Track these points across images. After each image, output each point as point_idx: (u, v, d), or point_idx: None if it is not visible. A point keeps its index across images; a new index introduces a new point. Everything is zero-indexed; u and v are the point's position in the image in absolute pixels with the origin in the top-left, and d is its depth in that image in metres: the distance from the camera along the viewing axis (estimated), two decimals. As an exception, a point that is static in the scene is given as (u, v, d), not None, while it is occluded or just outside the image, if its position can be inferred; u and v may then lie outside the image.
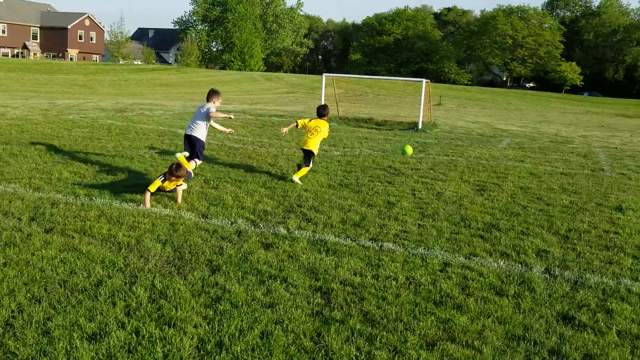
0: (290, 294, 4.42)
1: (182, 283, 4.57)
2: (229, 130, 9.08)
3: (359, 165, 10.63)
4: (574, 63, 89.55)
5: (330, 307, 4.19)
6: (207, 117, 8.47)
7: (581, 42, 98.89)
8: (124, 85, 45.66)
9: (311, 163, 9.14)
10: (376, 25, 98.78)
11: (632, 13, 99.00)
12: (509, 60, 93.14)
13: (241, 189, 8.14)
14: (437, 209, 7.57)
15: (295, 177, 8.80)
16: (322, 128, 9.36)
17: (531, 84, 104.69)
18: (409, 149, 12.58)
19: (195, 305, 4.17)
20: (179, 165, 7.29)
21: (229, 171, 9.36)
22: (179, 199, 7.37)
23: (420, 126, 18.87)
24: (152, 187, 7.21)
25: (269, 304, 4.20)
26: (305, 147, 9.14)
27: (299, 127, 9.54)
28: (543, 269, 5.39)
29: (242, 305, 4.16)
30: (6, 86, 34.67)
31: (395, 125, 19.81)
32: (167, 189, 7.43)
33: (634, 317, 4.27)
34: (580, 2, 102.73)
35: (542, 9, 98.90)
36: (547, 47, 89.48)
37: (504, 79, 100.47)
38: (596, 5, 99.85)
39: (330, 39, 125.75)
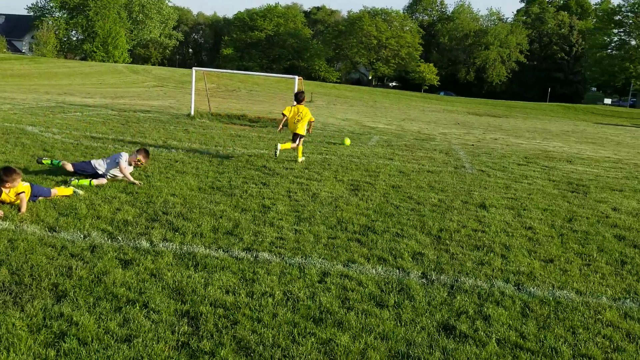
0: (152, 322, 3.85)
1: (17, 316, 3.81)
2: (138, 182, 8.17)
3: (232, 166, 10.12)
4: (431, 64, 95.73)
5: (198, 336, 3.69)
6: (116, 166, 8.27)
7: (438, 44, 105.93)
8: (-37, 74, 40.64)
9: (299, 142, 11.00)
10: (248, 20, 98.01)
11: (481, 19, 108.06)
12: (374, 60, 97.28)
13: (97, 195, 7.28)
14: (314, 211, 7.32)
15: (280, 146, 10.75)
16: (305, 112, 11.04)
17: (394, 83, 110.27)
18: (347, 141, 14.92)
19: (32, 344, 3.46)
20: (7, 169, 6.33)
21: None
22: (23, 208, 6.39)
23: (292, 124, 18.71)
24: None
25: (126, 338, 3.61)
26: (296, 132, 10.98)
27: (288, 116, 11.03)
28: (420, 274, 5.32)
29: (92, 341, 3.53)
30: None
31: (268, 123, 19.46)
32: (8, 201, 6.42)
33: (511, 322, 4.29)
34: (436, 8, 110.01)
35: (404, 12, 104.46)
36: (408, 48, 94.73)
37: (370, 77, 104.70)
38: (450, 11, 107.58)
39: (201, 32, 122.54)
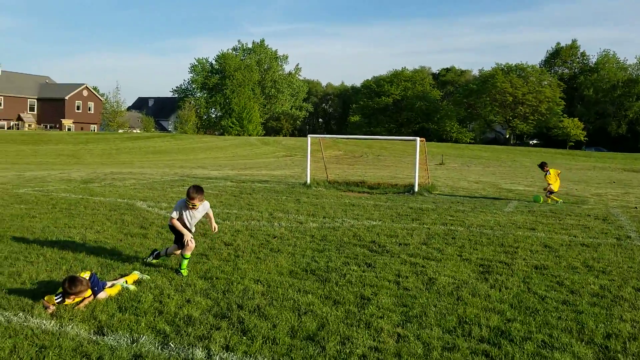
0: None
1: None
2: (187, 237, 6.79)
3: (336, 241, 8.72)
4: (576, 119, 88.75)
5: None
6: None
7: (582, 97, 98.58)
8: (115, 154, 44.48)
9: None
10: (374, 87, 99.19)
11: (630, 68, 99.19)
12: (511, 118, 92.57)
13: (172, 282, 6.23)
14: (427, 305, 5.60)
15: None
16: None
17: (535, 141, 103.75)
18: (540, 199, 15.49)
19: None
20: (72, 280, 5.45)
21: (163, 256, 7.44)
22: (81, 305, 5.47)
23: (416, 189, 17.06)
24: (49, 299, 5.45)
25: None
26: None
27: None
28: None
29: None
30: (-15, 158, 33.39)
31: (389, 189, 18.01)
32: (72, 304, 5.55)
33: None
34: (577, 59, 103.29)
35: (540, 67, 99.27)
36: (548, 103, 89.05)
37: (507, 136, 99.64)
38: (593, 62, 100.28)
39: (330, 102, 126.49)
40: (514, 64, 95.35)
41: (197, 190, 6.68)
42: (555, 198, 15.78)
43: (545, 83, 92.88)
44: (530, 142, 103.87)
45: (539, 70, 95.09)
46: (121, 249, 7.81)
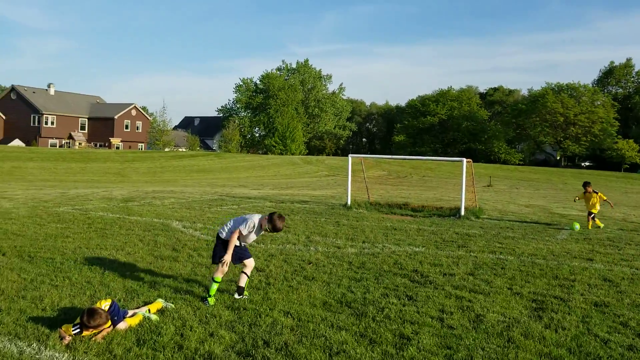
0: None
1: None
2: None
3: (375, 269, 8.17)
4: (631, 140, 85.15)
5: None
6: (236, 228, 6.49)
7: (637, 118, 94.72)
8: (159, 172, 45.16)
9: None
10: (420, 106, 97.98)
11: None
12: (562, 139, 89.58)
13: (197, 312, 5.83)
14: (474, 348, 5.00)
15: None
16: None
17: (587, 163, 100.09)
18: (576, 226, 14.20)
19: None
20: (91, 314, 5.12)
21: (191, 282, 7.08)
22: (99, 336, 5.13)
23: (462, 212, 16.29)
24: (66, 329, 5.14)
25: None
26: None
27: None
28: None
29: None
30: (34, 176, 34.37)
31: (433, 211, 17.30)
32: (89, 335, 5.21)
33: None
34: (632, 79, 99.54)
35: (593, 86, 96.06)
36: (601, 124, 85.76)
37: (558, 157, 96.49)
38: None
39: (374, 121, 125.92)
40: (564, 84, 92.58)
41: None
42: (598, 222, 14.83)
43: (599, 103, 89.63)
44: (583, 164, 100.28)
45: (592, 90, 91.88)
46: (149, 273, 7.50)
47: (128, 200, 18.10)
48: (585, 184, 15.40)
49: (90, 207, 15.20)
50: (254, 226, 6.42)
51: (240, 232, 6.36)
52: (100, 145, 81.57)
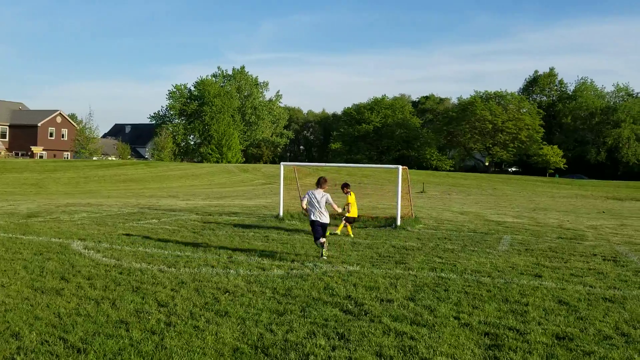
0: None
1: None
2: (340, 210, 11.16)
3: (303, 297, 6.98)
4: (555, 146, 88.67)
5: None
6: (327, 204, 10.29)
7: (560, 125, 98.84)
8: (82, 182, 42.28)
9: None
10: (355, 114, 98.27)
11: (607, 96, 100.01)
12: (491, 145, 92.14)
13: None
14: (420, 410, 3.88)
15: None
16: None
17: (513, 168, 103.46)
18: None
19: None
20: None
21: (67, 328, 5.62)
22: None
23: (399, 222, 15.41)
24: None
25: None
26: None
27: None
28: None
29: None
30: None
31: (369, 222, 16.35)
32: None
33: None
34: (555, 87, 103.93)
35: (519, 94, 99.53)
36: (527, 130, 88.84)
37: (486, 164, 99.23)
38: (571, 90, 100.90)
39: (311, 129, 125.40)
40: (492, 92, 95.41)
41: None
42: (349, 230, 13.38)
43: (525, 110, 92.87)
44: (509, 169, 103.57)
45: (518, 98, 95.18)
46: (20, 312, 5.97)
47: (32, 215, 16.10)
48: (344, 186, 13.75)
49: (-20, 226, 13.21)
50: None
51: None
52: (22, 155, 76.47)
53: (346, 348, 5.12)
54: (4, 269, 8.16)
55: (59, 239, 11.32)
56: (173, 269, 8.54)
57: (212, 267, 8.84)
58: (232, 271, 8.51)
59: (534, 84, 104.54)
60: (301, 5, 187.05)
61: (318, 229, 9.94)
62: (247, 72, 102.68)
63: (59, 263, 8.73)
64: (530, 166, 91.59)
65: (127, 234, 12.36)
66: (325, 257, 9.68)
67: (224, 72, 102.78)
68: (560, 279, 8.50)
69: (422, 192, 40.87)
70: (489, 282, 8.16)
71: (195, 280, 7.77)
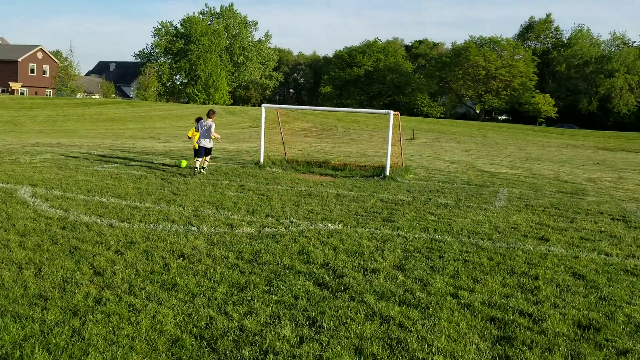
0: None
1: None
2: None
3: (272, 263, 5.87)
4: (547, 95, 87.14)
5: None
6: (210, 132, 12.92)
7: (553, 73, 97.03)
8: (61, 121, 40.43)
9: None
10: (347, 57, 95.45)
11: (603, 44, 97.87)
12: (483, 92, 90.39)
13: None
14: None
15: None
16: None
17: (504, 117, 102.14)
18: (183, 163, 14.15)
19: None
20: None
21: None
22: None
23: (387, 172, 14.27)
24: None
25: None
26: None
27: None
28: None
29: None
30: None
31: (356, 171, 15.21)
32: None
33: None
34: (551, 34, 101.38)
35: (514, 40, 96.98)
36: (521, 78, 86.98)
37: (477, 111, 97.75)
38: (567, 37, 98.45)
39: (302, 72, 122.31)
40: (487, 37, 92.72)
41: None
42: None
43: (519, 57, 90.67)
44: (499, 117, 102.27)
45: (513, 44, 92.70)
46: None
47: (-13, 156, 14.72)
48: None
49: None
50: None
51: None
52: (3, 91, 73.62)
53: (317, 341, 4.02)
54: None
55: (7, 183, 10.06)
56: (126, 224, 7.37)
57: (173, 222, 7.68)
58: (194, 228, 7.36)
59: (529, 30, 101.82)
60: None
61: (202, 150, 12.95)
62: (236, 10, 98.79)
63: (-8, 215, 7.52)
64: (520, 114, 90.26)
65: (86, 180, 11.10)
66: (195, 168, 12.80)
67: (212, 9, 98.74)
68: (570, 244, 7.45)
69: (412, 139, 39.67)
70: (489, 247, 7.10)
71: (147, 240, 6.62)
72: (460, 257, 6.56)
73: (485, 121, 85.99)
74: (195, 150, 13.22)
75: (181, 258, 5.96)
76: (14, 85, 74.75)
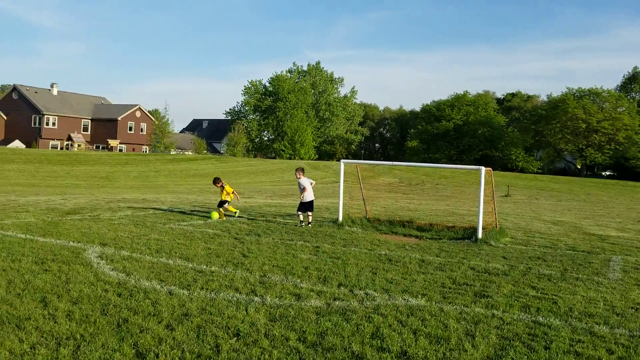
0: None
1: None
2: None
3: (338, 349, 4.94)
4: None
5: None
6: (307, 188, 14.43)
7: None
8: (152, 176, 42.24)
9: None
10: (434, 111, 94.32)
11: None
12: (584, 147, 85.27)
13: None
14: None
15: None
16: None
17: (608, 172, 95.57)
18: (215, 216, 14.64)
19: None
20: None
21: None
22: None
23: (480, 234, 12.96)
24: None
25: None
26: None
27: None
28: None
29: None
30: (6, 179, 31.51)
31: (444, 232, 14.02)
32: None
33: None
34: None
35: (617, 91, 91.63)
36: (626, 131, 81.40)
37: (578, 166, 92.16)
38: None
39: (387, 126, 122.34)
40: (586, 89, 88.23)
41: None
42: (231, 209, 15.49)
43: (623, 109, 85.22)
44: (603, 173, 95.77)
45: (616, 95, 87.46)
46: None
47: (72, 212, 15.02)
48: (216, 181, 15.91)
49: (9, 223, 12.12)
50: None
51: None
52: (103, 148, 79.16)
53: None
54: (-19, 284, 6.69)
55: (78, 243, 9.90)
56: (185, 292, 6.76)
57: (236, 289, 6.98)
58: (256, 299, 6.60)
59: (632, 81, 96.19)
60: (377, 1, 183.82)
61: (305, 205, 14.57)
62: (323, 67, 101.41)
63: (53, 277, 7.18)
64: (627, 170, 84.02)
65: (158, 239, 10.80)
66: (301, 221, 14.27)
67: (299, 68, 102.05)
68: None
69: (506, 196, 37.52)
70: (607, 335, 5.76)
71: (203, 312, 5.93)
72: (572, 348, 5.30)
73: (587, 177, 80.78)
74: (300, 204, 14.78)
75: (235, 338, 5.18)
76: (113, 142, 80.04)
